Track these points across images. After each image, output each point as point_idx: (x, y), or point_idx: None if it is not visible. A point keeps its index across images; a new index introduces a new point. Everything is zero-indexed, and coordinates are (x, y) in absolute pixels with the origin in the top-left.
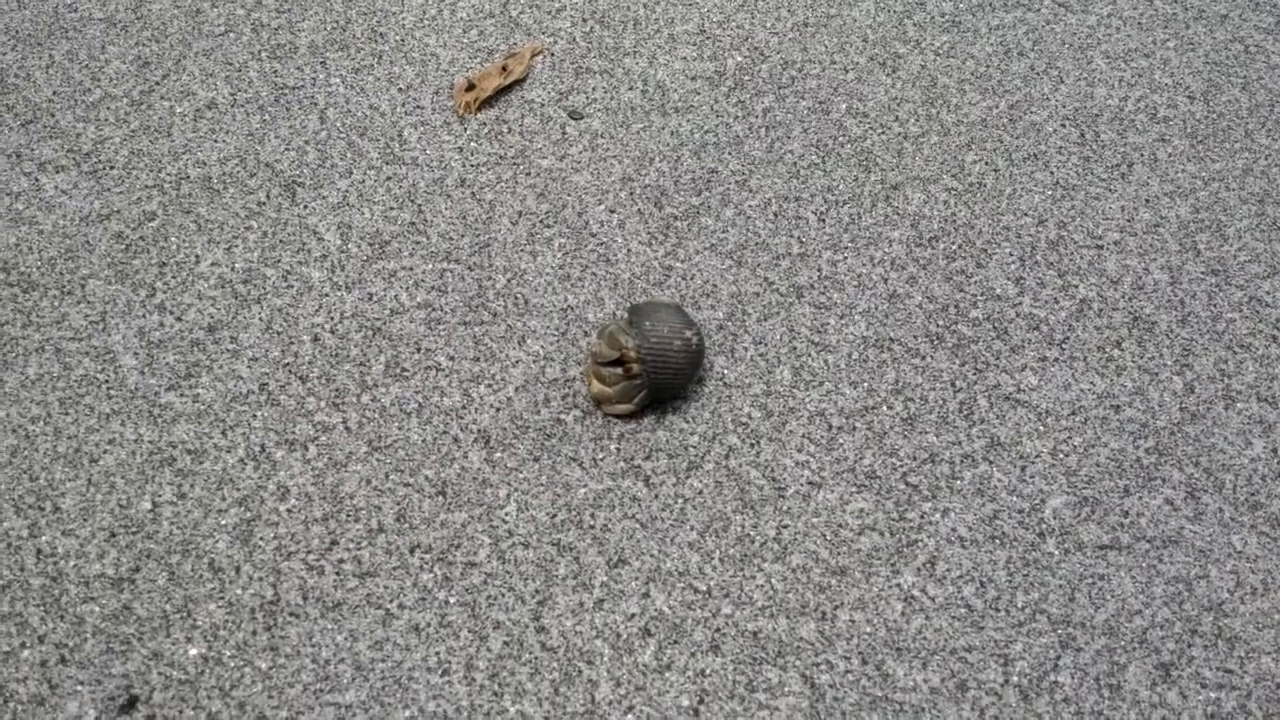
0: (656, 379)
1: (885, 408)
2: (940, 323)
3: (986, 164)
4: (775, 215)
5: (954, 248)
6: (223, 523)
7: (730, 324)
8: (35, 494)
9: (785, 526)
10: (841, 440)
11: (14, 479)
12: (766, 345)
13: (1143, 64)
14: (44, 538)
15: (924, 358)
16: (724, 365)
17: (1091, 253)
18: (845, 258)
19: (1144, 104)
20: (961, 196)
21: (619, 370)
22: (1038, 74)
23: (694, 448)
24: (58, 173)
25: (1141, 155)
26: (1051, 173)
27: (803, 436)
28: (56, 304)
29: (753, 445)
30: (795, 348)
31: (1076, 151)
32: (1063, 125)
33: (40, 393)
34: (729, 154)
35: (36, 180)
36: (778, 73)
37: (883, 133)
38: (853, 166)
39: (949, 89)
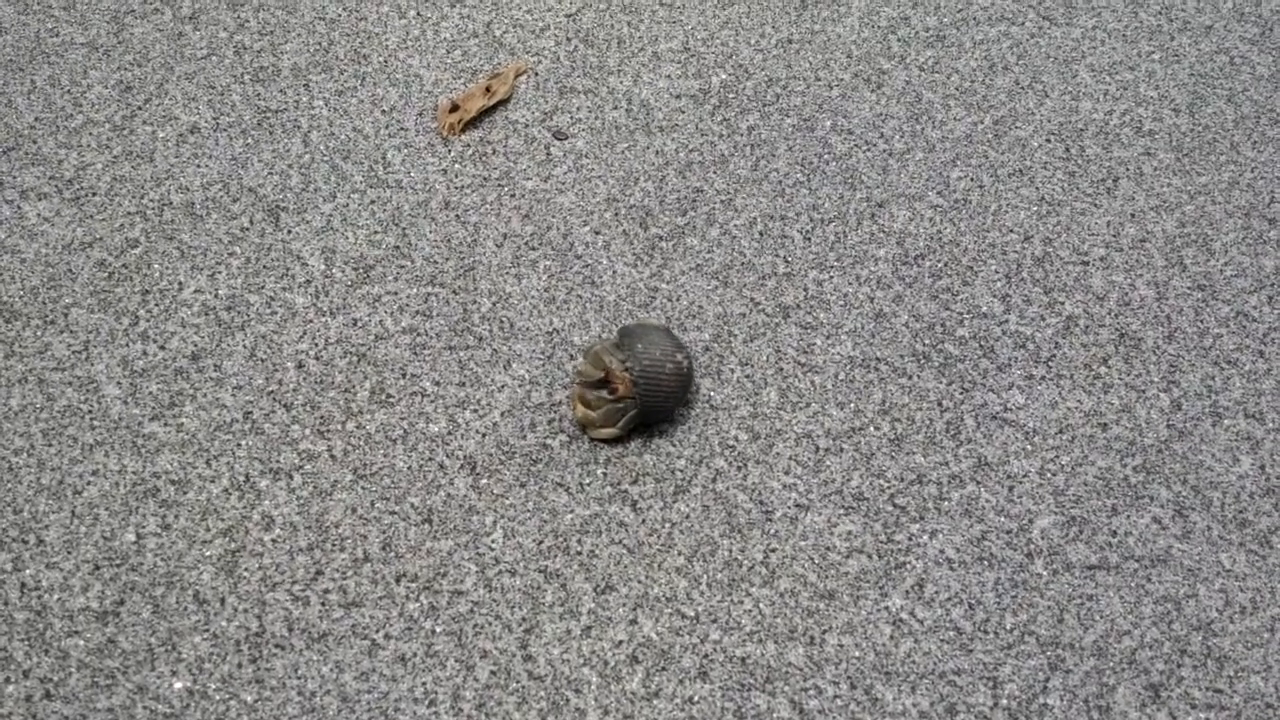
0: (648, 402)
1: (872, 428)
2: (927, 341)
3: (972, 180)
4: (761, 234)
5: (940, 265)
6: (207, 554)
7: (716, 345)
8: (18, 527)
9: (773, 550)
10: (829, 462)
11: None
12: (753, 366)
13: (1128, 77)
14: (28, 571)
15: (911, 377)
16: (710, 387)
17: (1078, 269)
18: (831, 277)
19: (1129, 117)
20: (947, 214)
21: (604, 393)
22: (1022, 88)
23: (681, 471)
24: (39, 200)
25: (1127, 169)
26: (1037, 188)
27: (790, 459)
28: (39, 334)
29: (740, 468)
30: (782, 369)
31: (1062, 166)
32: (1048, 140)
33: (23, 424)
34: (714, 173)
35: (18, 208)
36: (762, 90)
37: (868, 150)
38: (838, 184)
39: (934, 105)
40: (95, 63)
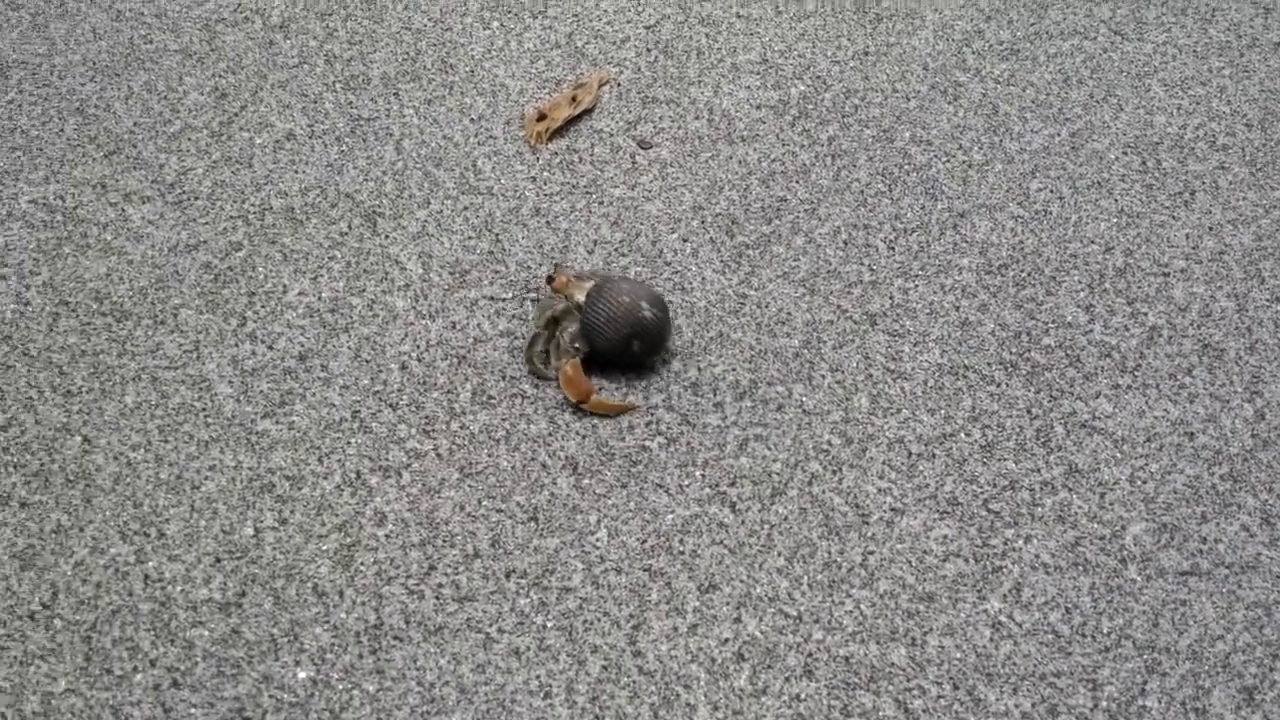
0: (588, 318)
1: (963, 435)
2: (1013, 350)
3: (1051, 191)
4: (845, 243)
5: (1023, 275)
6: (323, 548)
7: (806, 351)
8: (139, 520)
9: (871, 553)
10: (921, 467)
11: (118, 505)
12: (843, 372)
13: (1200, 92)
14: (150, 563)
15: (999, 385)
16: (802, 393)
17: (1158, 280)
18: (916, 285)
19: (1203, 131)
20: (1028, 224)
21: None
22: (1097, 102)
23: (777, 474)
24: (143, 203)
25: (1203, 183)
26: (1115, 200)
27: (883, 463)
28: (150, 333)
29: (835, 472)
30: (871, 375)
31: (1139, 179)
32: (1124, 153)
33: (139, 421)
34: (796, 182)
35: (123, 210)
36: (840, 101)
37: (947, 161)
38: (919, 194)
39: (1010, 117)
40: (190, 69)
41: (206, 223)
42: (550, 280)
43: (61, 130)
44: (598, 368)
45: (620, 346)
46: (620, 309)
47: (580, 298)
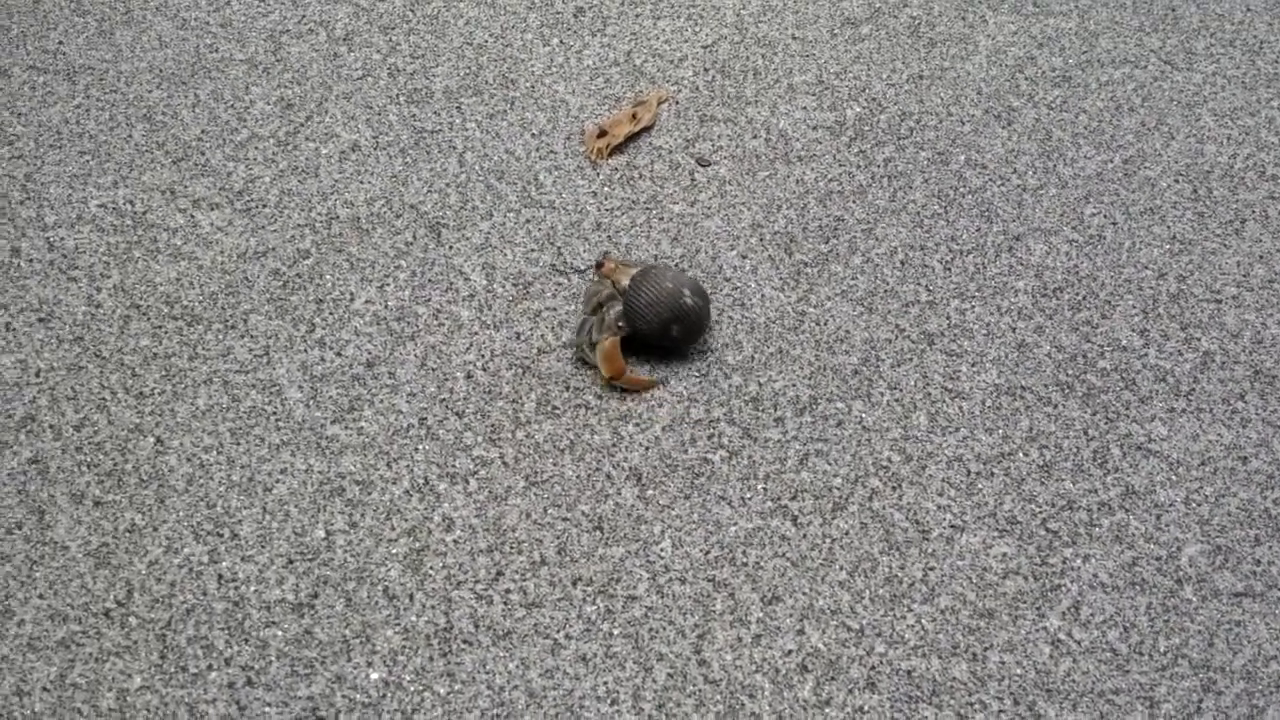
0: (631, 301)
1: (1021, 454)
2: (1070, 372)
3: (1105, 217)
4: (902, 263)
5: (1078, 299)
6: (393, 551)
7: (865, 369)
8: (213, 521)
9: (931, 569)
10: (980, 485)
11: (192, 506)
12: (901, 390)
13: (1249, 122)
14: (224, 564)
15: (1056, 406)
16: (862, 409)
17: (1211, 306)
18: (973, 306)
19: (1252, 161)
20: (1082, 249)
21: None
22: (1148, 130)
23: (837, 489)
24: (212, 210)
25: (1253, 212)
26: (1168, 227)
27: (943, 481)
28: (221, 337)
29: (894, 488)
30: (930, 393)
31: (1190, 207)
32: (1175, 181)
33: (211, 423)
34: (853, 203)
35: (192, 217)
36: (896, 123)
37: (1002, 184)
38: (974, 217)
39: (1064, 142)
40: (256, 79)
41: (275, 230)
42: (599, 266)
43: (130, 136)
44: (649, 360)
45: (660, 330)
46: (663, 294)
47: (626, 283)
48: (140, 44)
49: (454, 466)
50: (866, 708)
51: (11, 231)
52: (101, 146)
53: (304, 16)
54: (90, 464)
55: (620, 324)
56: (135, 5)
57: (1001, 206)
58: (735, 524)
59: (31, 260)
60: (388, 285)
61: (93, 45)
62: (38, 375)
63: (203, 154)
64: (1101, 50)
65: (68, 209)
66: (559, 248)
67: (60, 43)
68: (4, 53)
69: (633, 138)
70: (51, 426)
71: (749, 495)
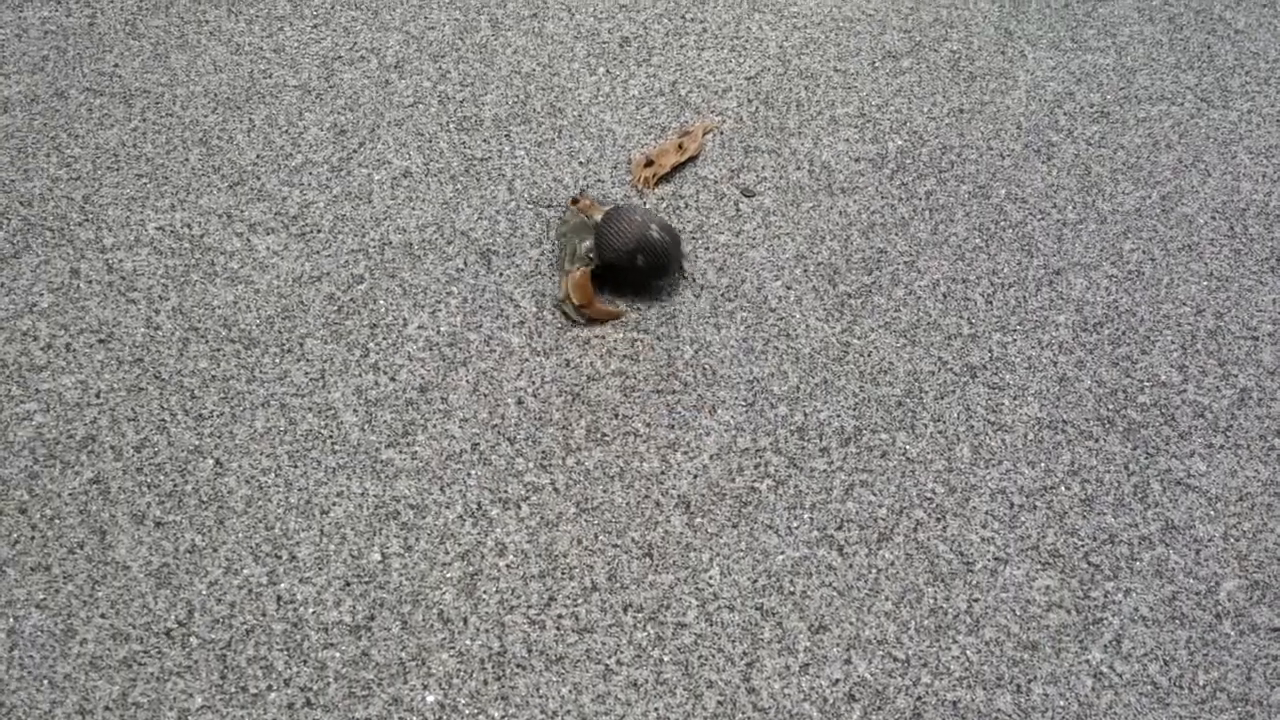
0: (602, 231)
1: (1063, 488)
2: (1110, 407)
3: (1144, 253)
4: (944, 296)
5: (1118, 334)
6: (448, 575)
7: (909, 400)
8: (271, 543)
9: (976, 600)
10: (1023, 518)
11: (251, 528)
12: (945, 423)
13: None
14: (283, 585)
15: (1097, 440)
16: (906, 441)
17: (1248, 344)
18: (1014, 340)
19: None
20: (1121, 284)
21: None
22: (1185, 166)
23: (882, 520)
24: (268, 234)
25: None
26: (1205, 264)
27: (986, 513)
28: (278, 361)
29: (939, 520)
30: (972, 426)
31: (1227, 244)
32: (1213, 218)
33: (269, 445)
34: (896, 235)
35: (248, 240)
36: (937, 157)
37: (1042, 219)
38: (1015, 251)
39: (1103, 178)
40: (309, 105)
41: (329, 255)
42: (575, 201)
43: (186, 159)
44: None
45: (627, 259)
46: (631, 226)
47: (599, 218)
48: (195, 68)
49: (506, 492)
50: None
51: (71, 253)
52: (158, 170)
53: (355, 43)
54: (151, 484)
55: (591, 255)
56: (189, 30)
57: (1042, 241)
58: (782, 553)
59: (91, 282)
60: (439, 311)
61: (148, 69)
62: (98, 396)
63: (258, 178)
64: (1139, 86)
65: (126, 231)
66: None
67: (116, 65)
68: (61, 75)
69: (679, 168)
70: (112, 447)
71: (795, 524)
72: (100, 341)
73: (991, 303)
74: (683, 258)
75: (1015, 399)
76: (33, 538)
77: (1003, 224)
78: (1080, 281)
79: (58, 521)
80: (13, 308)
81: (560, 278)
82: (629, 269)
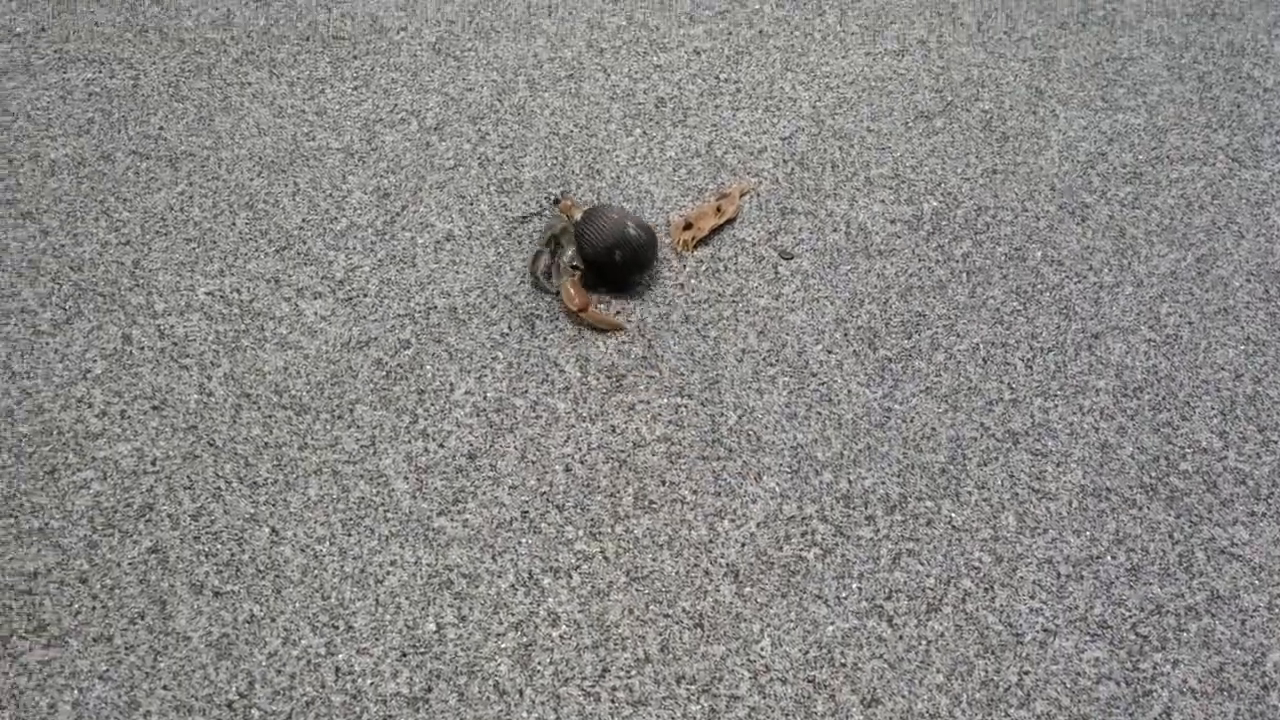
0: (583, 229)
1: (1109, 557)
2: (1153, 474)
3: (1180, 316)
4: (984, 361)
5: (1158, 399)
6: (502, 646)
7: (952, 467)
8: (328, 613)
9: (1026, 673)
10: (1071, 588)
11: (307, 597)
12: (989, 490)
13: None
14: (340, 655)
15: (1140, 509)
16: (951, 509)
17: None
18: (1055, 405)
19: None
20: (1160, 348)
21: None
22: (1219, 228)
23: (931, 590)
24: (315, 299)
25: None
26: (1242, 328)
27: (1034, 583)
28: (329, 427)
29: (986, 590)
30: (1017, 494)
31: (1263, 307)
32: (1248, 280)
33: (323, 513)
34: (934, 298)
35: (296, 305)
36: (972, 218)
37: (1079, 281)
38: (1053, 314)
39: (1137, 240)
40: (353, 168)
41: (375, 320)
42: (557, 201)
43: (234, 224)
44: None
45: (605, 255)
46: (609, 224)
47: (579, 216)
48: (239, 131)
49: (557, 560)
50: None
51: (123, 318)
52: (206, 234)
53: (395, 106)
54: (208, 553)
55: (574, 264)
56: (232, 92)
57: (1079, 304)
58: (832, 623)
59: (143, 348)
60: (486, 376)
61: (193, 131)
62: (154, 464)
63: (304, 242)
64: (1170, 147)
65: (176, 296)
66: (649, 340)
67: (161, 128)
68: (106, 137)
69: (717, 230)
70: (170, 515)
71: (844, 594)
72: (154, 408)
73: (1031, 367)
74: (657, 254)
75: (1058, 466)
76: (94, 608)
77: (1040, 287)
78: (1119, 346)
79: (118, 591)
80: (67, 374)
81: (535, 267)
82: (608, 264)
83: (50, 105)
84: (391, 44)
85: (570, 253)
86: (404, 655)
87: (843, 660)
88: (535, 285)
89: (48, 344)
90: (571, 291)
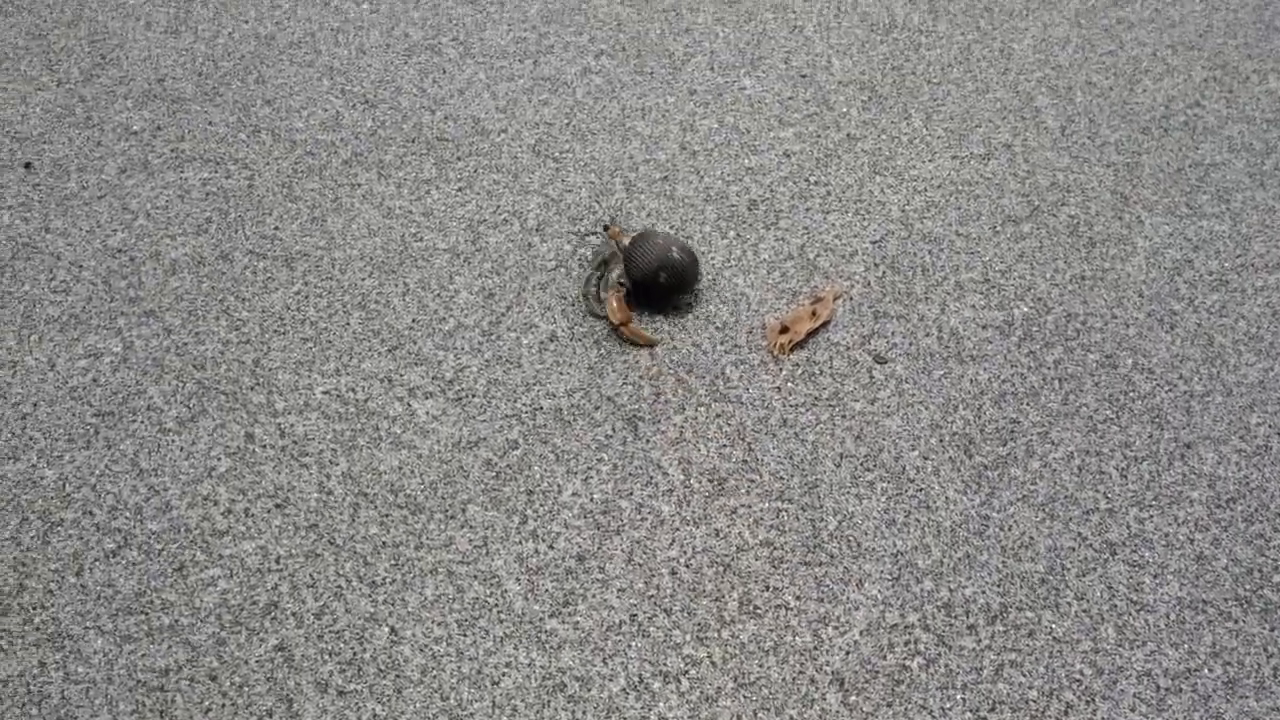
0: (630, 254)
1: (1206, 670)
2: (1248, 587)
3: (1270, 427)
4: (1079, 469)
5: (1250, 510)
6: None
7: (1051, 577)
8: (448, 714)
9: None
10: (1170, 702)
11: (427, 698)
12: (1088, 601)
13: None
14: None
15: (1236, 621)
16: (1051, 620)
17: None
18: (1151, 516)
19: None
20: (1251, 458)
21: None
22: None
23: (1034, 702)
24: (427, 399)
25: None
26: None
27: (1134, 696)
28: (443, 527)
29: (1088, 703)
30: (1116, 605)
31: None
32: None
33: (440, 613)
34: (1027, 404)
35: (409, 405)
36: (1062, 324)
37: (1169, 390)
38: (1145, 423)
39: (1225, 348)
40: (459, 268)
41: (484, 420)
42: (607, 229)
43: (348, 323)
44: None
45: (650, 276)
46: (655, 248)
47: (627, 242)
48: (350, 231)
49: (666, 665)
50: None
51: (245, 417)
52: (322, 333)
53: (498, 207)
54: (331, 652)
55: (621, 281)
56: (343, 193)
57: (1171, 413)
58: None
59: (265, 446)
60: (591, 478)
61: (306, 231)
62: (278, 562)
63: (414, 342)
64: (1255, 254)
65: (295, 395)
66: (749, 444)
67: (276, 228)
68: (224, 237)
69: (812, 334)
70: (294, 614)
71: (949, 705)
72: (277, 506)
73: (1126, 476)
74: (699, 277)
75: (1155, 577)
76: (224, 705)
77: (1131, 395)
78: (1211, 456)
79: (246, 689)
80: (193, 471)
81: (587, 289)
82: (653, 285)
83: (169, 204)
84: (493, 145)
85: (618, 272)
86: None
87: None
88: (589, 311)
89: (173, 441)
90: (615, 305)
